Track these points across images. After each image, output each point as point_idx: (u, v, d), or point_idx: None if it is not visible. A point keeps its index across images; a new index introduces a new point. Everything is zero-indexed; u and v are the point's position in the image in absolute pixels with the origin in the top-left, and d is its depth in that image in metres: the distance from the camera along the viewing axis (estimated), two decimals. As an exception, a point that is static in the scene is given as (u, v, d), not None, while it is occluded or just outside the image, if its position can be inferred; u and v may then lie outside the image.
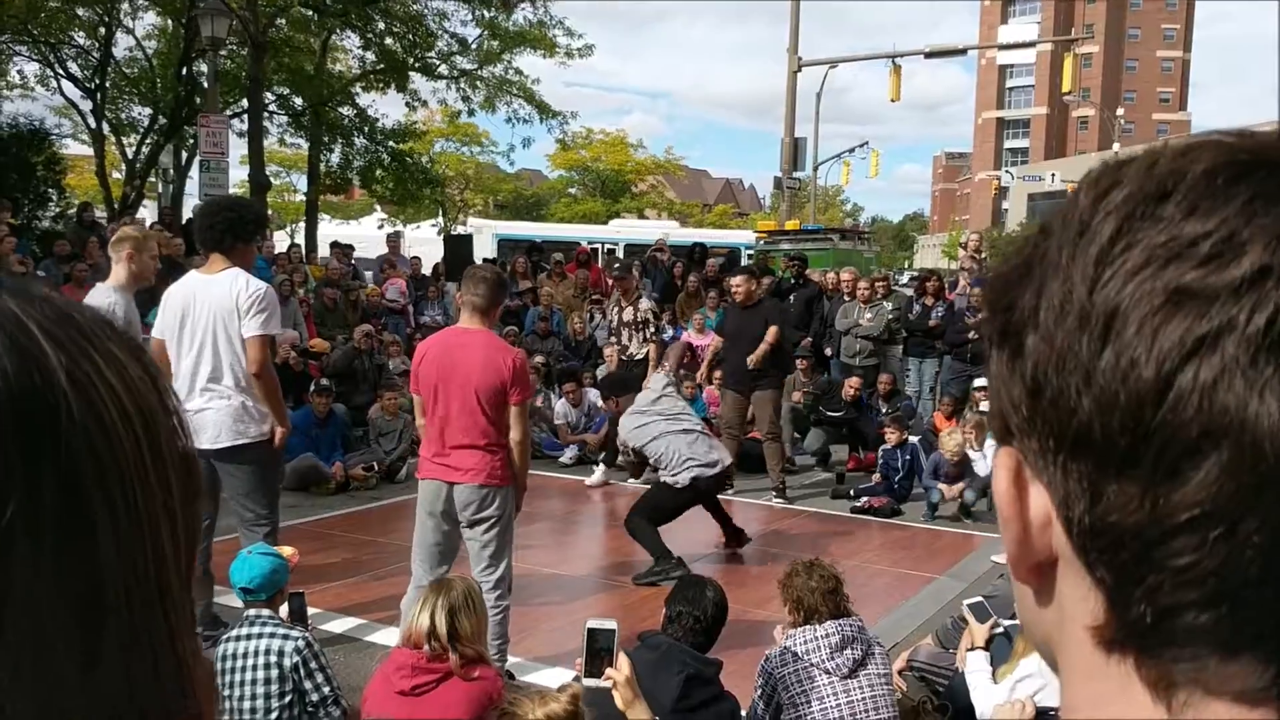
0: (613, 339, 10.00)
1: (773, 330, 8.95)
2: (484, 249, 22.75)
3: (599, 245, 23.48)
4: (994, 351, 0.53)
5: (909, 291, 13.27)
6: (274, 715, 3.53)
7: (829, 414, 10.49)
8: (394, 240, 16.70)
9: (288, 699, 3.57)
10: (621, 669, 2.95)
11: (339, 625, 5.75)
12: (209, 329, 4.96)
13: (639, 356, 9.87)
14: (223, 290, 4.94)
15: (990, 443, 9.41)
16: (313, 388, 9.52)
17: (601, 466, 9.88)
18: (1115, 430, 0.45)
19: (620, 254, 20.35)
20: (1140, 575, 0.46)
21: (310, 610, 4.76)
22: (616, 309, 9.64)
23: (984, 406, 9.75)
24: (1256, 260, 0.43)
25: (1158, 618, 0.46)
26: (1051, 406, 0.48)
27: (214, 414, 4.94)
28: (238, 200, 5.82)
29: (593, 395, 10.97)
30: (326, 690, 3.62)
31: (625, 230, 26.78)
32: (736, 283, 9.40)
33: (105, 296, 5.35)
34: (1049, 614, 0.53)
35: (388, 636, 5.46)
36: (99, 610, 0.44)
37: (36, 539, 0.42)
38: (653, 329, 10.18)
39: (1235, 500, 0.43)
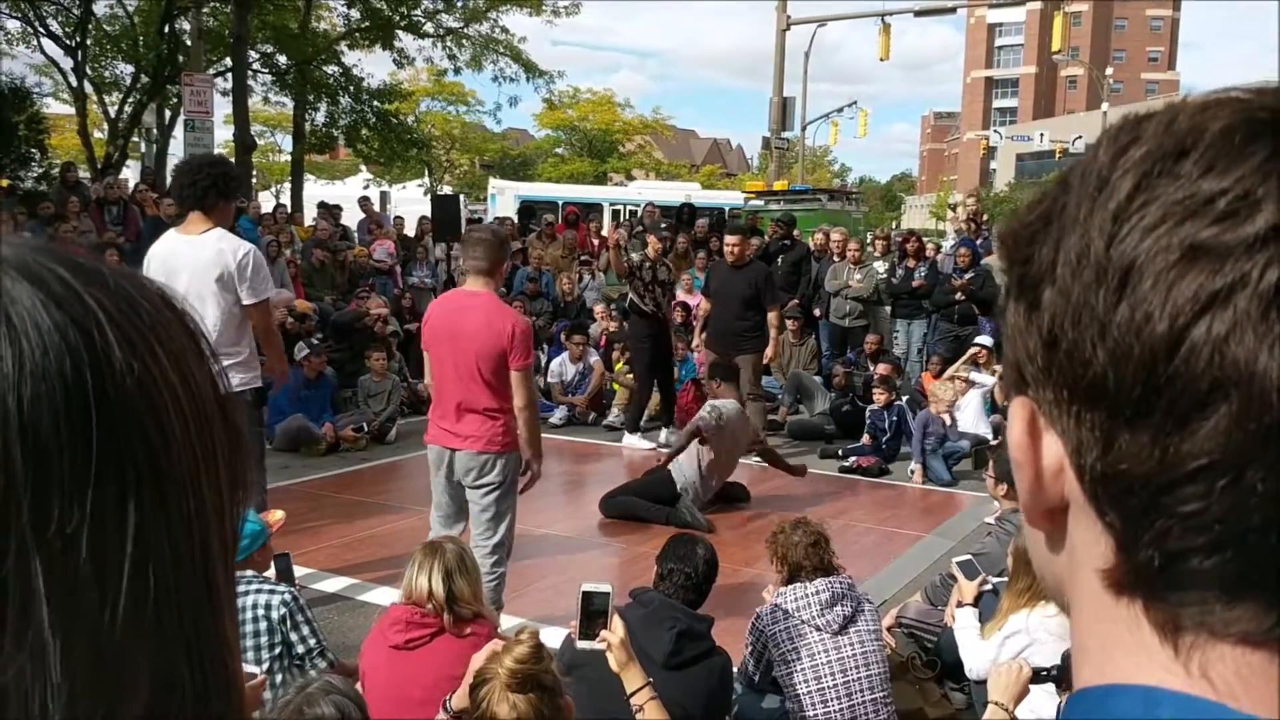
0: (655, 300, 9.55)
1: (774, 315, 9.18)
2: (506, 210, 22.67)
3: (621, 206, 23.39)
4: (1011, 303, 0.54)
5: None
6: (264, 667, 3.56)
7: (861, 404, 10.46)
8: (366, 203, 16.45)
9: (277, 650, 3.60)
10: (616, 631, 2.97)
11: (331, 585, 5.77)
12: (191, 292, 4.85)
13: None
14: (208, 254, 4.89)
15: (971, 395, 9.46)
16: (305, 349, 9.47)
17: (639, 437, 9.85)
18: (1128, 382, 0.46)
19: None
20: (1149, 521, 0.47)
21: (302, 570, 4.78)
22: (650, 267, 9.36)
23: (983, 364, 9.76)
24: (1271, 218, 0.44)
25: (1165, 562, 0.47)
26: (1067, 358, 0.49)
27: None
28: (217, 158, 5.78)
29: (593, 355, 11.01)
30: (313, 643, 3.66)
31: (648, 192, 26.52)
32: (731, 242, 9.32)
33: None
34: (1061, 558, 0.55)
35: (380, 596, 5.49)
36: (151, 609, 0.45)
37: (100, 540, 0.43)
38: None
39: (1242, 450, 0.44)
